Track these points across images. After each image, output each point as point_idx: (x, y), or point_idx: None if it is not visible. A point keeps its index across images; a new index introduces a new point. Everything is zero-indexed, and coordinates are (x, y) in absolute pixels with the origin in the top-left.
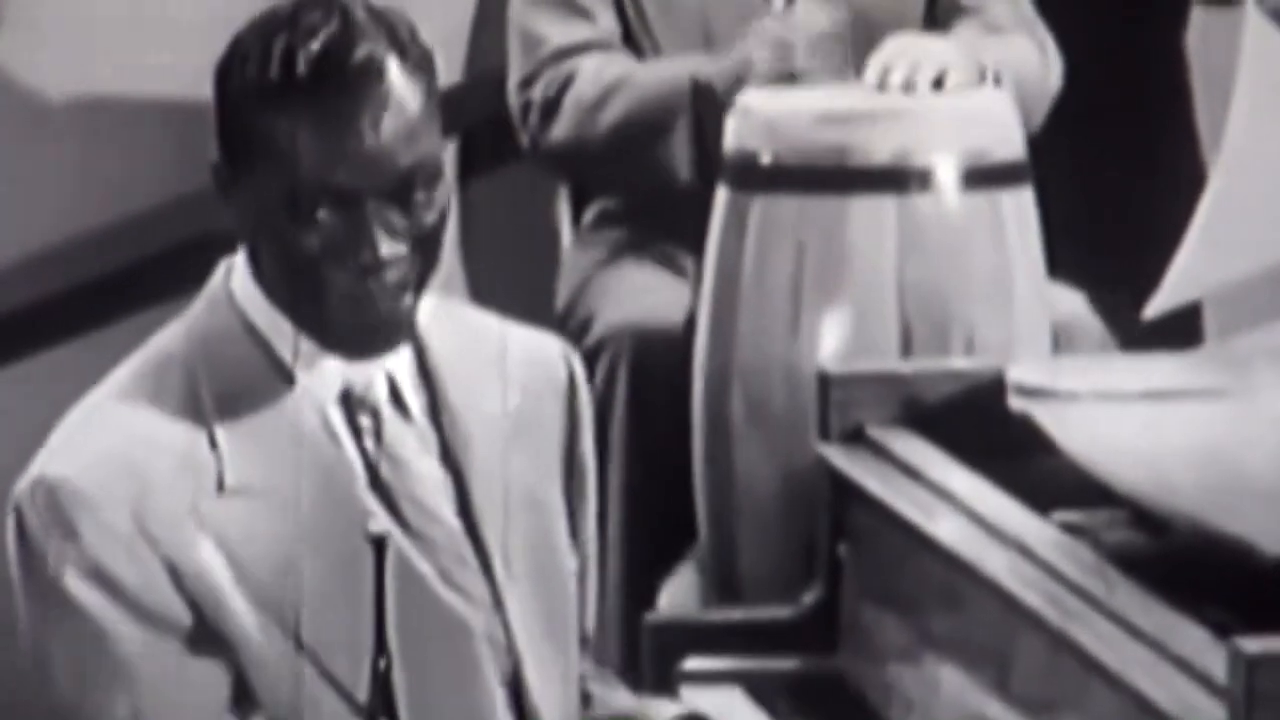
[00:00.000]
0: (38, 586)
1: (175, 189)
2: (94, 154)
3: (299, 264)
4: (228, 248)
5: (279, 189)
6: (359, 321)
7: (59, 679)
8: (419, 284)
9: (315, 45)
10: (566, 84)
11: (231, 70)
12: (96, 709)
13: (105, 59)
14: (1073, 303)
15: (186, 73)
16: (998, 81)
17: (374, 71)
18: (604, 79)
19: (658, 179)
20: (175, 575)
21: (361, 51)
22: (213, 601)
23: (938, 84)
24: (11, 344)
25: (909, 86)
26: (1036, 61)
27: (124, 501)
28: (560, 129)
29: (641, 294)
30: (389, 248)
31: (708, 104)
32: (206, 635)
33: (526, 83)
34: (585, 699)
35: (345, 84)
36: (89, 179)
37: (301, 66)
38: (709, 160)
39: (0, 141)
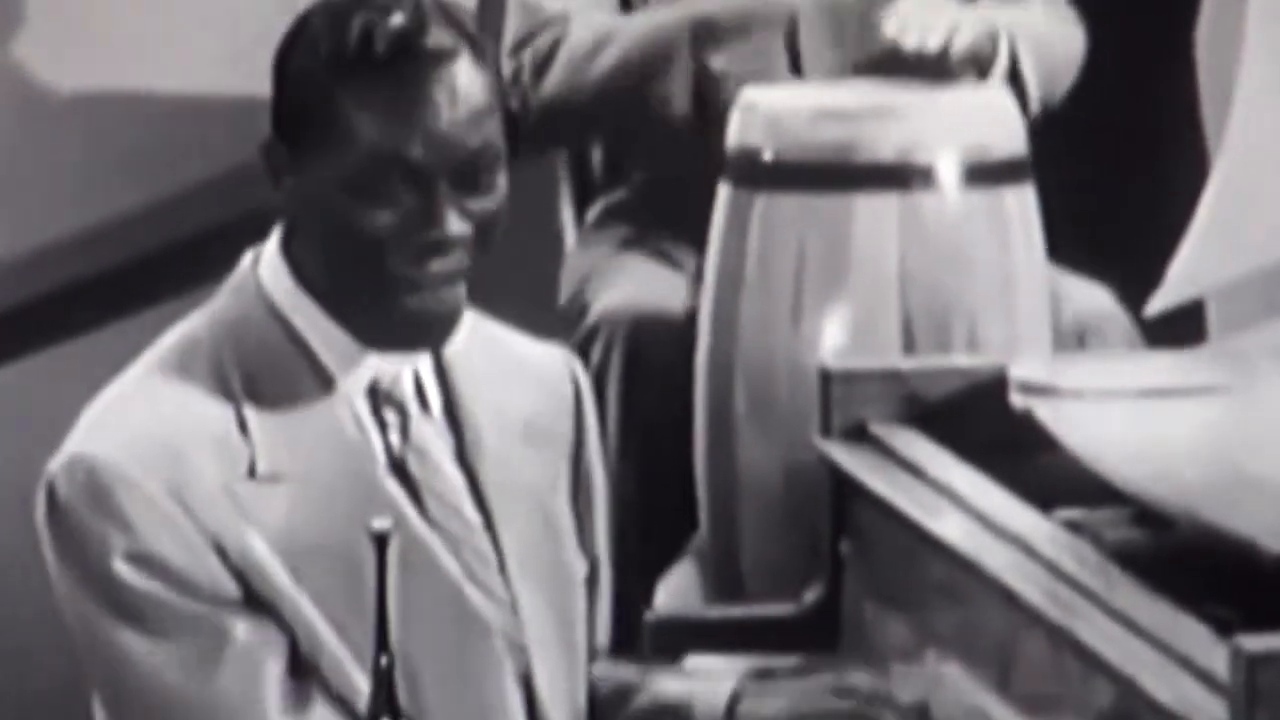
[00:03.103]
0: (80, 566)
1: (179, 184)
2: (99, 148)
3: (360, 244)
4: (233, 242)
5: (347, 166)
6: (413, 310)
7: (114, 658)
8: (468, 276)
9: (393, 24)
10: (559, 39)
11: (300, 48)
12: (153, 685)
13: (110, 53)
14: (1099, 298)
15: (192, 67)
16: (1013, 51)
17: (447, 54)
18: (598, 30)
19: (653, 122)
20: (220, 550)
21: (435, 34)
22: (258, 574)
23: (942, 71)
24: (20, 338)
25: (921, 48)
26: (1055, 26)
27: (164, 480)
28: (551, 83)
29: (639, 281)
30: (457, 226)
31: (709, 39)
32: (257, 605)
33: (519, 46)
34: (622, 693)
35: (421, 63)
36: (94, 173)
37: (380, 44)
38: (707, 101)
39: (6, 135)
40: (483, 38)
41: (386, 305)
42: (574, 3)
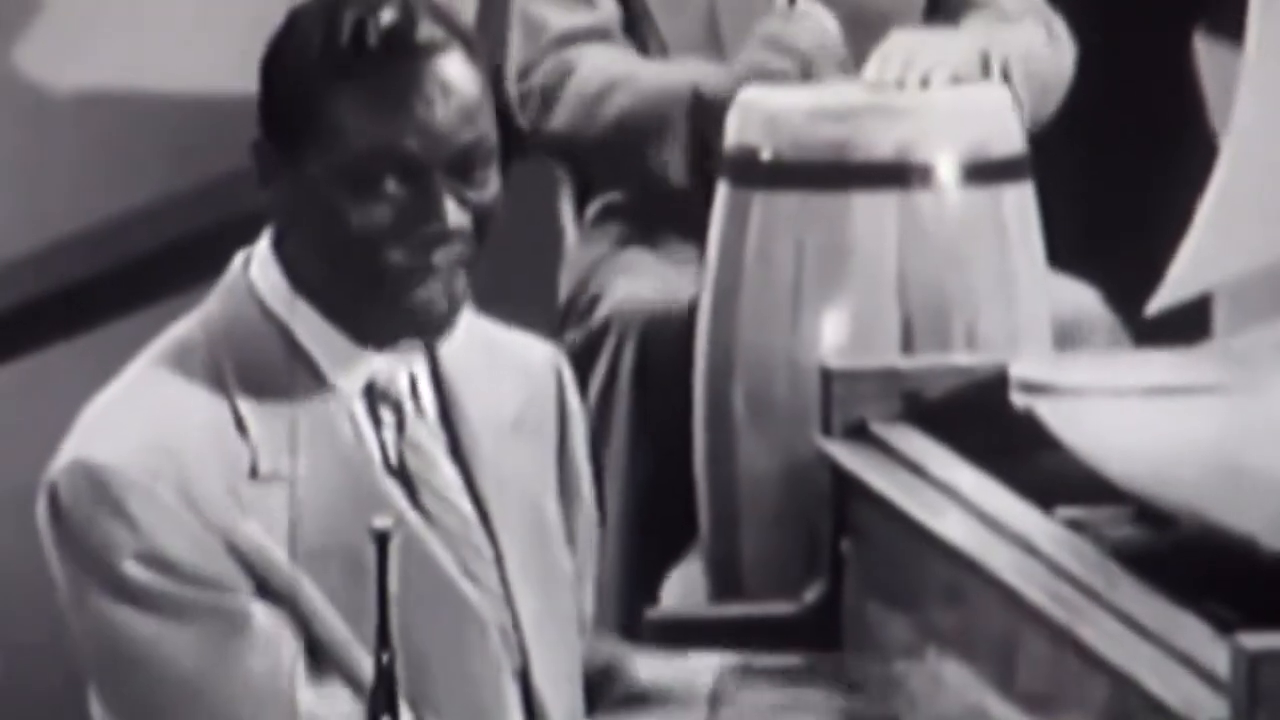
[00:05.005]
0: (88, 568)
1: (175, 185)
2: (99, 148)
3: (357, 241)
4: (232, 242)
5: (341, 163)
6: (417, 302)
7: (128, 652)
8: (469, 270)
9: (384, 19)
10: (568, 73)
11: (290, 46)
12: (173, 671)
13: (110, 53)
14: (1082, 296)
15: (192, 67)
16: (1005, 73)
17: (439, 48)
18: (606, 73)
19: (651, 179)
20: (232, 546)
21: (426, 29)
22: (272, 568)
23: (928, 82)
24: (19, 338)
25: (901, 84)
26: (1047, 47)
27: (170, 481)
28: (559, 119)
29: (649, 276)
30: (456, 218)
31: (706, 114)
32: (270, 595)
33: (526, 71)
34: (606, 672)
35: (414, 56)
36: (93, 173)
37: (373, 38)
38: (703, 169)
39: (6, 135)
40: (476, 36)
41: (387, 300)
42: (579, 22)
